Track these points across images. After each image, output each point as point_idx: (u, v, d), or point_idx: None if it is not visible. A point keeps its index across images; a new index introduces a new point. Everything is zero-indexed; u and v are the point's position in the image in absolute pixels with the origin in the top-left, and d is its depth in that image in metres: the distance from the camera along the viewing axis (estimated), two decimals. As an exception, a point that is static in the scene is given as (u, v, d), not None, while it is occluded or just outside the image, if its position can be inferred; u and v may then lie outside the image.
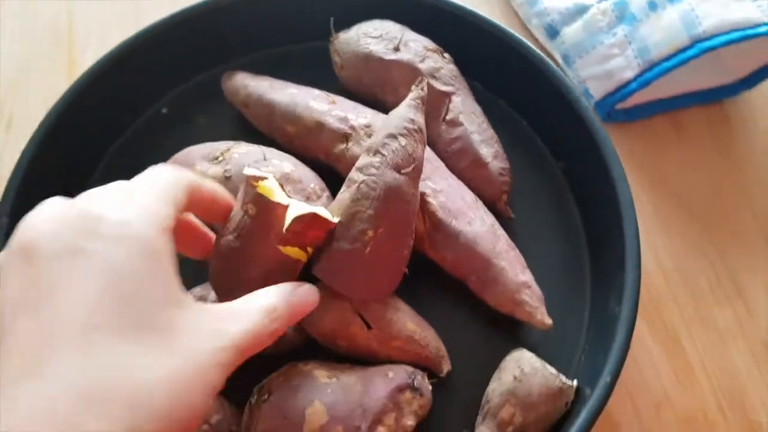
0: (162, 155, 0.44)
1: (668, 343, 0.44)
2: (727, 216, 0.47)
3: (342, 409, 0.35)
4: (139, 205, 0.27)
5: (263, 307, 0.29)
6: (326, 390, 0.36)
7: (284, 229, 0.31)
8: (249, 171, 0.31)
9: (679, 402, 0.42)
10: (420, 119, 0.39)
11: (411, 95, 0.40)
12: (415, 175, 0.38)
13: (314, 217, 0.32)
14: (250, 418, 0.36)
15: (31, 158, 0.43)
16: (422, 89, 0.40)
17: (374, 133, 0.41)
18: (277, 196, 0.32)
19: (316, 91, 0.46)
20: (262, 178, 0.31)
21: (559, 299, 0.42)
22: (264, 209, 0.31)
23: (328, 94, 0.45)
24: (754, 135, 0.50)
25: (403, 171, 0.37)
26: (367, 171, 0.38)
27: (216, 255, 0.32)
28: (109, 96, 0.47)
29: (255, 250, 0.32)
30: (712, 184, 0.48)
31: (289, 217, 0.31)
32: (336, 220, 0.33)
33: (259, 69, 0.49)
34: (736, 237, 0.46)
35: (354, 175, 0.38)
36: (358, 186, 0.37)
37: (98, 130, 0.48)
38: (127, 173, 0.31)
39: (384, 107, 0.45)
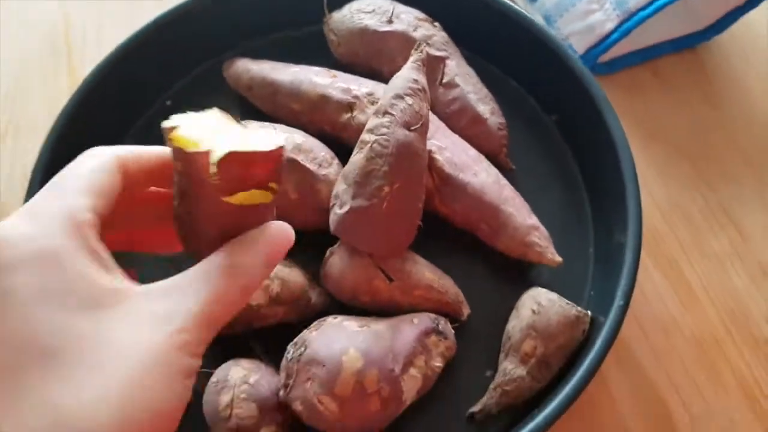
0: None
1: (670, 272, 0.46)
2: (712, 152, 0.50)
3: (375, 354, 0.38)
4: (43, 211, 0.25)
5: (220, 268, 0.25)
6: (358, 338, 0.38)
7: (213, 178, 0.25)
8: (164, 123, 0.26)
9: (686, 325, 0.45)
10: (423, 80, 0.41)
11: (411, 58, 0.42)
12: (423, 131, 0.41)
13: (247, 154, 0.25)
14: (289, 372, 0.38)
15: (47, 160, 0.45)
16: (421, 52, 0.42)
17: (380, 98, 0.43)
18: (201, 140, 0.25)
19: (317, 68, 0.48)
20: (174, 127, 0.25)
21: (564, 240, 0.45)
22: (187, 163, 0.26)
23: (329, 69, 0.48)
24: (729, 75, 0.53)
25: (412, 128, 0.40)
26: (378, 131, 0.40)
27: (175, 225, 0.29)
28: (114, 93, 0.49)
29: (200, 210, 0.27)
30: (694, 124, 0.51)
31: (212, 163, 0.24)
32: (280, 144, 0.26)
33: (257, 56, 0.51)
34: (723, 170, 0.49)
35: (365, 136, 0.40)
36: (371, 146, 0.40)
37: (106, 128, 0.49)
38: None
39: (382, 78, 0.47)
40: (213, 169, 0.24)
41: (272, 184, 0.27)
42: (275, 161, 0.26)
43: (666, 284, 0.46)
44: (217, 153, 0.24)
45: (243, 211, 0.26)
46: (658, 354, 0.44)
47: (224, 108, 0.49)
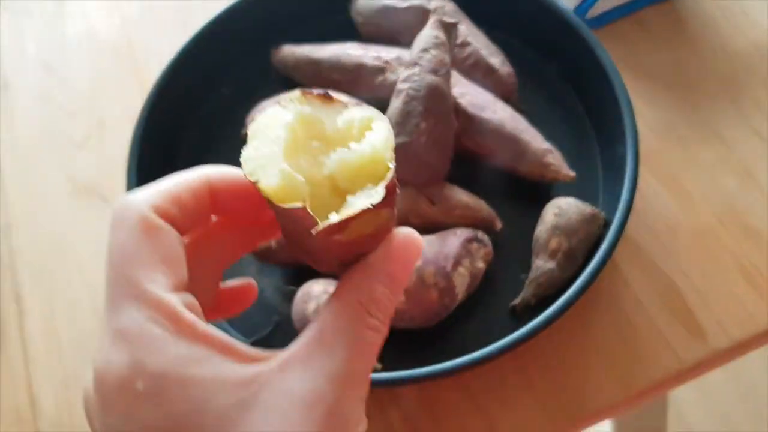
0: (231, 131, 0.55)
1: (669, 182, 0.54)
2: (692, 80, 0.58)
3: (430, 255, 0.46)
4: (132, 327, 0.21)
5: (354, 321, 0.22)
6: (414, 245, 0.46)
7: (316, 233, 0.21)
8: (244, 166, 0.22)
9: (687, 224, 0.52)
10: (442, 35, 0.50)
11: (430, 20, 0.51)
12: (447, 76, 0.49)
13: (355, 216, 0.21)
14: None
15: (138, 152, 0.54)
16: (438, 15, 0.51)
17: (408, 54, 0.52)
18: (290, 184, 0.22)
19: (350, 43, 0.57)
20: (256, 182, 0.22)
21: (575, 161, 0.53)
22: (284, 214, 0.22)
23: (360, 43, 0.57)
24: (701, 18, 0.62)
25: (439, 73, 0.49)
26: (410, 79, 0.49)
27: (288, 249, 0.26)
28: (180, 88, 0.58)
29: (310, 245, 0.23)
30: (675, 61, 0.59)
31: (317, 227, 0.21)
32: (380, 191, 0.21)
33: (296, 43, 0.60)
34: (702, 94, 0.57)
35: (400, 85, 0.49)
36: (406, 91, 0.48)
37: (176, 119, 0.58)
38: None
39: (403, 46, 0.56)
40: (315, 229, 0.21)
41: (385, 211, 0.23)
42: (388, 203, 0.22)
43: (666, 192, 0.54)
44: (320, 226, 0.21)
45: (362, 238, 0.23)
46: (665, 248, 0.51)
47: (272, 86, 0.59)
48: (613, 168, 0.52)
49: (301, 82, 0.58)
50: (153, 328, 0.20)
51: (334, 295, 0.23)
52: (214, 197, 0.24)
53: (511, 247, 0.51)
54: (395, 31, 0.57)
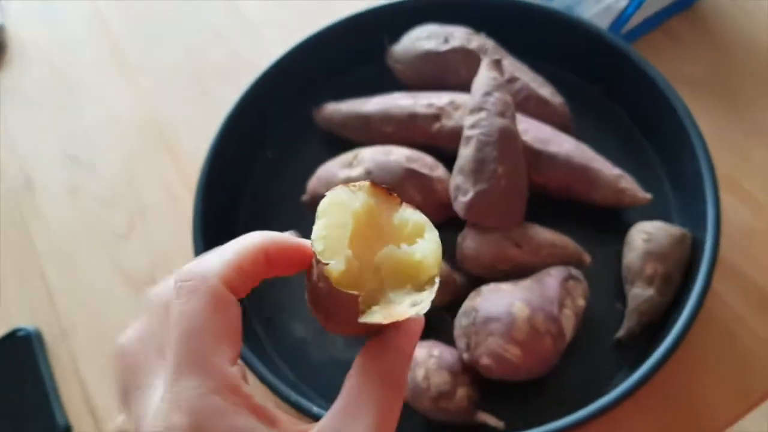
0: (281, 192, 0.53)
1: (731, 187, 0.53)
2: (734, 85, 0.59)
3: (536, 302, 0.45)
4: (202, 409, 0.22)
5: (376, 395, 0.24)
6: (516, 293, 0.45)
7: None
8: (316, 244, 0.24)
9: (761, 227, 0.52)
10: (499, 76, 0.49)
11: (484, 62, 0.50)
12: (514, 116, 0.48)
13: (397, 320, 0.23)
14: (468, 336, 0.45)
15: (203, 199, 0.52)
16: (489, 55, 0.50)
17: (466, 101, 0.51)
18: (347, 277, 0.24)
19: (397, 93, 0.56)
20: (326, 264, 0.24)
21: (640, 183, 0.52)
22: (334, 293, 0.24)
23: (407, 91, 0.56)
24: (727, 20, 0.63)
25: (506, 115, 0.48)
26: (479, 125, 0.48)
27: (309, 304, 0.27)
28: (227, 156, 0.56)
29: (336, 315, 0.25)
30: (713, 66, 0.60)
31: (363, 317, 0.23)
32: (426, 305, 0.24)
33: (332, 99, 0.59)
34: (747, 98, 0.58)
35: (468, 132, 0.48)
36: (477, 138, 0.47)
37: (229, 186, 0.56)
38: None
39: (451, 89, 0.55)
40: (362, 319, 0.23)
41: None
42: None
43: (732, 199, 0.54)
44: (367, 317, 0.23)
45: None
46: (746, 255, 0.51)
47: (313, 146, 0.58)
48: (682, 185, 0.52)
49: (349, 137, 0.57)
50: (216, 399, 0.22)
51: (358, 368, 0.25)
52: (269, 259, 0.26)
53: (597, 277, 0.50)
54: (439, 75, 0.57)
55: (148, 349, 0.25)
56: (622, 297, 0.50)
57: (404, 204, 0.25)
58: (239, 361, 0.24)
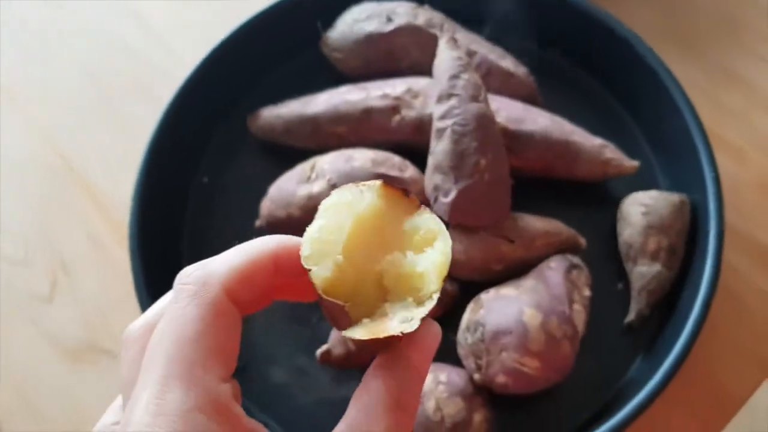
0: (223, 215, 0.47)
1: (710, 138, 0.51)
2: (692, 31, 0.56)
3: (545, 304, 0.40)
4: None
5: (387, 413, 0.22)
6: (522, 298, 0.40)
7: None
8: (303, 247, 0.22)
9: (746, 178, 0.50)
10: (463, 54, 0.44)
11: (442, 41, 0.44)
12: (486, 99, 0.43)
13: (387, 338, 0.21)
14: (477, 354, 0.40)
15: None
16: (446, 32, 0.44)
17: (429, 86, 0.45)
18: (335, 284, 0.22)
19: (343, 88, 0.49)
20: (309, 270, 0.22)
21: (617, 147, 0.48)
22: (323, 301, 0.22)
23: (355, 84, 0.49)
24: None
25: (479, 99, 0.42)
26: (451, 114, 0.42)
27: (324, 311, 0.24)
28: (157, 187, 0.48)
29: (342, 325, 0.23)
30: (667, 12, 0.57)
31: (346, 332, 0.22)
32: (415, 324, 0.21)
33: (265, 102, 0.51)
34: (709, 41, 0.55)
35: (439, 124, 0.42)
36: (452, 129, 0.42)
37: (166, 223, 0.48)
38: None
39: (403, 74, 0.49)
40: (344, 333, 0.22)
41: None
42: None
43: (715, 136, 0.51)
44: (349, 331, 0.21)
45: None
46: (736, 210, 0.48)
47: (254, 160, 0.51)
48: (664, 146, 0.48)
49: (295, 145, 0.50)
50: (200, 418, 0.20)
51: (364, 387, 0.22)
52: (278, 268, 0.23)
53: (592, 260, 0.46)
54: (387, 60, 0.50)
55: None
56: (622, 277, 0.46)
57: (423, 207, 0.23)
58: (236, 384, 0.23)
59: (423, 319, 0.21)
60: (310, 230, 0.22)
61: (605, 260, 0.47)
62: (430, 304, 0.21)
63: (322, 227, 0.22)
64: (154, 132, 0.48)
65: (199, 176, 0.52)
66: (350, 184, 0.23)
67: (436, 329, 0.23)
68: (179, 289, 0.22)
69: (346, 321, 0.22)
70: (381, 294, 0.22)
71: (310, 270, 0.22)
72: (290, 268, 0.23)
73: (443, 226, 0.22)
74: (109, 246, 0.50)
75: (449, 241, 0.22)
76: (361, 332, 0.21)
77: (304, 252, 0.22)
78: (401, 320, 0.21)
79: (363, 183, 0.23)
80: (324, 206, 0.22)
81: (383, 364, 0.22)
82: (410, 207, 0.23)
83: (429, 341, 0.23)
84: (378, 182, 0.23)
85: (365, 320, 0.22)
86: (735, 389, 0.44)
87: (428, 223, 0.22)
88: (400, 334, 0.21)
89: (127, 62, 0.58)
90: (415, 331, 0.21)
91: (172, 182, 0.49)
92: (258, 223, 0.47)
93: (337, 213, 0.22)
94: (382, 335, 0.21)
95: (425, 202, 0.44)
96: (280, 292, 0.25)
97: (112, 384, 0.46)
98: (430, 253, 0.22)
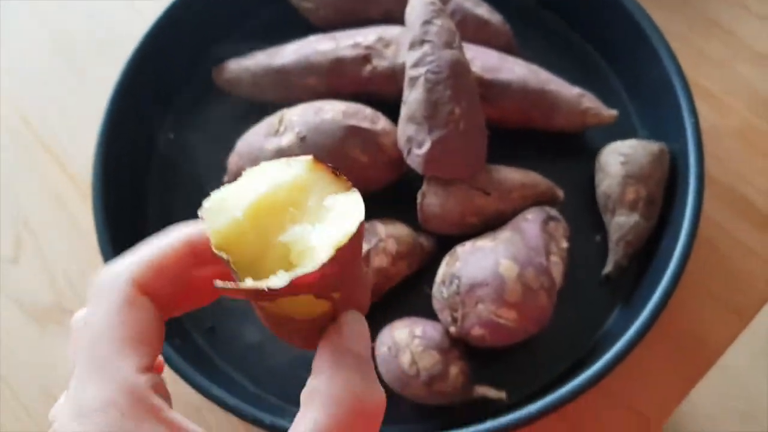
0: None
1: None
2: None
3: (522, 256, 0.39)
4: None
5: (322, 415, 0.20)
6: (498, 249, 0.39)
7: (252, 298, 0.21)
8: (204, 203, 0.21)
9: (724, 126, 0.49)
10: (436, 0, 0.42)
11: (415, -15, 0.42)
12: (461, 45, 0.41)
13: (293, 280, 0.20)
14: (453, 307, 0.39)
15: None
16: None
17: (401, 32, 0.43)
18: (227, 239, 0.21)
19: (312, 37, 0.47)
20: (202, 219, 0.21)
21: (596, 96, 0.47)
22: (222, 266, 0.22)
23: (325, 33, 0.47)
24: None
25: (453, 45, 0.41)
26: (423, 61, 0.40)
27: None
28: (124, 136, 0.46)
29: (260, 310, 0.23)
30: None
31: (219, 284, 0.20)
32: (282, 281, 0.19)
33: (232, 56, 0.49)
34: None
35: (412, 72, 0.41)
36: (425, 77, 0.40)
37: (132, 181, 0.46)
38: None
39: (375, 23, 0.47)
40: (217, 284, 0.20)
41: (334, 294, 0.22)
42: (321, 292, 0.21)
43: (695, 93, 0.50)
44: (220, 284, 0.20)
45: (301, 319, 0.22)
46: (714, 158, 0.47)
47: (221, 115, 0.49)
48: (642, 95, 0.47)
49: (264, 98, 0.48)
50: (112, 412, 0.20)
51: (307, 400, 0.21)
52: (197, 256, 0.23)
53: (570, 211, 0.45)
54: (356, 7, 0.48)
55: None
56: (600, 228, 0.45)
57: (353, 189, 0.22)
58: (159, 377, 0.22)
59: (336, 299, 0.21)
60: (221, 190, 0.22)
61: (583, 212, 0.46)
62: (310, 267, 0.20)
63: (231, 188, 0.22)
64: (115, 88, 0.46)
65: (164, 132, 0.50)
66: (280, 160, 0.22)
67: (362, 322, 0.22)
68: (90, 294, 0.22)
69: (232, 278, 0.21)
70: (286, 266, 0.21)
71: (202, 218, 0.21)
72: (210, 255, 0.22)
73: (361, 208, 0.21)
74: (74, 207, 0.49)
75: (357, 221, 0.21)
76: (231, 285, 0.20)
77: (204, 205, 0.21)
78: (276, 278, 0.20)
79: (293, 158, 0.22)
80: (248, 172, 0.22)
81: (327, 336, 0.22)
82: (340, 187, 0.22)
83: (356, 328, 0.22)
84: (309, 157, 0.22)
85: (248, 279, 0.20)
86: (712, 339, 0.44)
87: (345, 203, 0.21)
88: (265, 290, 0.19)
89: (90, 22, 0.56)
90: (343, 318, 0.22)
91: (135, 139, 0.47)
92: (226, 179, 0.45)
93: (253, 179, 0.22)
94: (249, 288, 0.20)
95: (399, 155, 0.43)
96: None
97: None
98: (331, 229, 0.21)
